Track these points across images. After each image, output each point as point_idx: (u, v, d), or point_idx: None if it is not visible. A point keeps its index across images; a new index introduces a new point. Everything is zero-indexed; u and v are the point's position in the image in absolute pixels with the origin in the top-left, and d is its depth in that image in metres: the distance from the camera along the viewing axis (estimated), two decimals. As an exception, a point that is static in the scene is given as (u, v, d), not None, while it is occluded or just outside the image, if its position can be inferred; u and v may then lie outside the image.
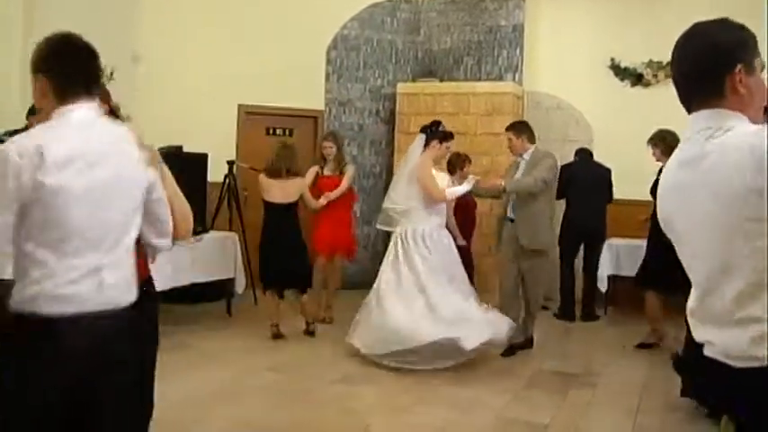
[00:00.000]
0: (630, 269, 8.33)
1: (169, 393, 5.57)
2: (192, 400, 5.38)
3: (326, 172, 8.13)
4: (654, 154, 7.01)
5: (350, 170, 8.15)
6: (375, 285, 6.75)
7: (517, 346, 6.90)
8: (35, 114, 7.26)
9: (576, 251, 8.77)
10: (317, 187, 7.96)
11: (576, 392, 5.97)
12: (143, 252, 2.81)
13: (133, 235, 2.61)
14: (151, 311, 3.41)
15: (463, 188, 6.85)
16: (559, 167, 7.35)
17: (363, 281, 9.96)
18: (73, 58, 2.64)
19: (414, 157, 6.84)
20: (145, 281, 3.07)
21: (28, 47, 7.86)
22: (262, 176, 7.39)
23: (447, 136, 6.84)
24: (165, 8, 9.21)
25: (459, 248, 7.11)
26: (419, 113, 10.00)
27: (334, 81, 10.32)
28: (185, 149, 8.82)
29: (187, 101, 9.17)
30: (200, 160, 8.86)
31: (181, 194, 2.83)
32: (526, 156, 6.94)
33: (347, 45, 10.37)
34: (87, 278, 2.42)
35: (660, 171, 7.21)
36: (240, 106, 9.73)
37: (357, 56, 10.44)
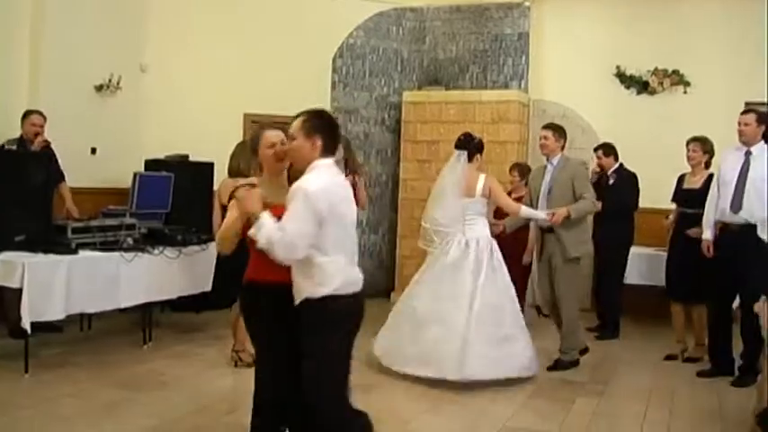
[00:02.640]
0: (636, 278, 8.34)
1: (175, 401, 5.60)
2: (199, 408, 5.38)
3: None
4: (692, 158, 7.07)
5: (359, 180, 8.22)
6: (413, 299, 6.66)
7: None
8: (26, 117, 7.27)
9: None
10: None
11: (582, 401, 5.95)
12: None
13: None
14: None
15: (540, 215, 6.66)
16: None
17: (369, 289, 9.97)
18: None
19: (458, 172, 6.63)
20: None
21: (36, 58, 7.95)
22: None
23: (483, 145, 6.82)
24: (172, 19, 9.23)
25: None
26: (425, 122, 10.02)
27: (340, 89, 10.33)
28: (192, 158, 8.87)
29: (194, 110, 9.18)
30: (206, 169, 8.87)
31: None
32: (554, 161, 6.79)
33: (353, 54, 10.39)
34: None
35: (683, 177, 7.28)
36: (246, 115, 9.73)
37: (363, 64, 10.46)
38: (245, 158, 7.32)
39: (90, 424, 4.95)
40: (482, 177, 6.56)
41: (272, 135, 3.93)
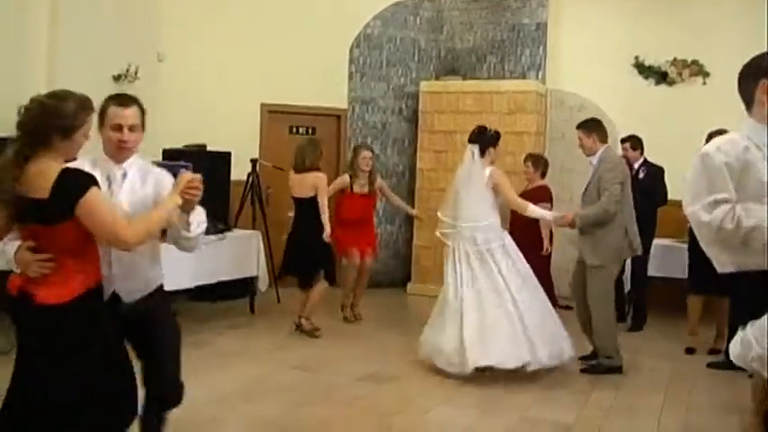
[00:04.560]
0: (654, 270, 8.28)
1: (191, 391, 5.61)
2: (215, 398, 5.40)
3: (356, 188, 8.05)
4: None
5: (382, 183, 8.39)
6: (450, 297, 6.49)
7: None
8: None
9: None
10: (348, 203, 8.03)
11: (599, 393, 5.94)
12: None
13: None
14: None
15: (547, 214, 6.66)
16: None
17: (385, 280, 10.01)
18: None
19: (476, 168, 6.54)
20: None
21: (54, 48, 7.97)
22: (291, 171, 7.47)
23: (498, 138, 6.67)
24: (188, 9, 9.24)
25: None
26: (442, 112, 9.99)
27: (357, 80, 10.32)
28: (209, 148, 8.89)
29: (211, 100, 9.20)
30: (223, 158, 8.89)
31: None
32: (595, 159, 6.51)
33: (370, 44, 10.38)
34: None
35: None
36: (263, 105, 9.75)
37: (380, 54, 10.44)
38: (313, 155, 7.40)
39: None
40: (488, 171, 6.51)
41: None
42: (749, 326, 2.83)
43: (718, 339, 7.11)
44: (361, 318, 8.14)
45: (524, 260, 6.50)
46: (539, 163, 8.49)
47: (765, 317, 2.73)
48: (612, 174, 6.35)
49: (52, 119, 3.09)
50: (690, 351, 7.25)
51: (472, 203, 6.50)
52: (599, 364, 6.48)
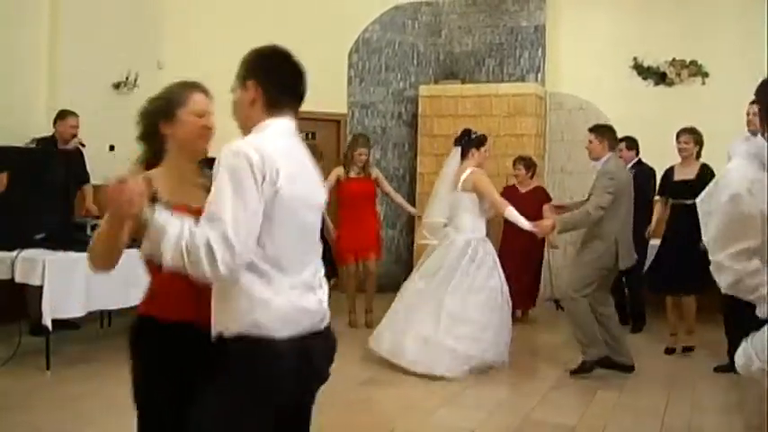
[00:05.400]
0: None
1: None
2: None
3: (352, 174, 8.12)
4: (685, 149, 6.98)
5: (378, 173, 8.37)
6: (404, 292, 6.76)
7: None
8: (63, 119, 7.40)
9: None
10: (344, 189, 7.99)
11: (602, 394, 5.93)
12: None
13: None
14: None
15: (525, 224, 6.44)
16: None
17: (388, 284, 9.98)
18: (291, 73, 2.70)
19: (450, 170, 6.78)
20: None
21: (54, 56, 7.99)
22: None
23: (482, 141, 6.77)
24: (188, 15, 9.25)
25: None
26: (441, 116, 10.00)
27: (356, 84, 10.34)
28: (209, 154, 8.88)
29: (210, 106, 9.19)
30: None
31: None
32: (599, 165, 6.48)
33: (369, 48, 10.39)
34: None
35: (671, 170, 7.20)
36: (263, 111, 9.75)
37: (379, 59, 10.45)
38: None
39: (111, 421, 4.96)
40: (467, 172, 6.57)
41: (202, 100, 2.88)
42: (750, 337, 2.81)
43: (690, 336, 7.20)
44: (372, 325, 7.92)
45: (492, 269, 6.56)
46: (530, 165, 8.56)
47: (765, 328, 2.73)
48: (606, 183, 6.28)
49: None
50: (669, 351, 7.28)
51: (443, 201, 6.72)
52: (584, 363, 6.40)
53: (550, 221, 6.49)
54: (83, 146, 7.47)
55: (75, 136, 7.40)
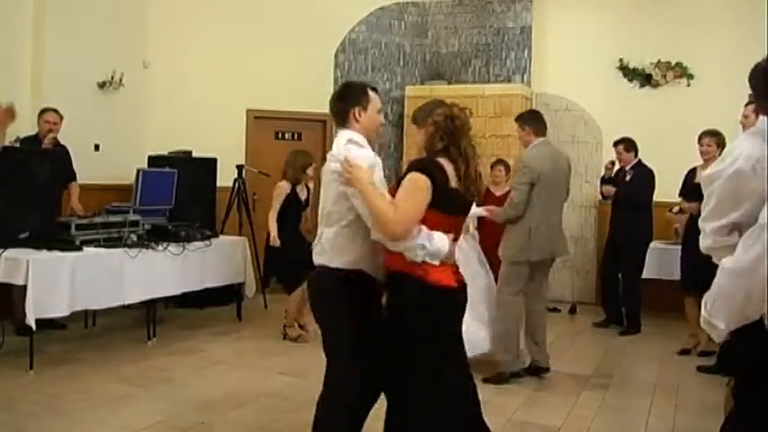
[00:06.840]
0: (648, 272, 8.27)
1: (179, 397, 5.60)
2: (202, 405, 5.38)
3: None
4: (708, 152, 6.95)
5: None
6: None
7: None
8: (41, 115, 7.36)
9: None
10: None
11: (588, 394, 5.95)
12: None
13: None
14: None
15: (479, 211, 6.20)
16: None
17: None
18: None
19: None
20: None
21: (39, 55, 7.95)
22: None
23: None
24: (173, 15, 9.24)
25: None
26: (428, 116, 9.97)
27: (342, 85, 10.31)
28: (194, 154, 8.87)
29: (196, 106, 9.19)
30: (209, 165, 8.89)
31: None
32: (525, 152, 6.30)
33: (355, 49, 10.38)
34: None
35: (693, 172, 7.19)
36: (249, 111, 9.74)
37: (365, 59, 10.44)
38: (293, 169, 7.43)
39: (94, 420, 4.95)
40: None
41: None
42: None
43: (711, 341, 7.12)
44: None
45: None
46: (509, 167, 8.57)
47: (715, 280, 2.82)
48: (519, 176, 6.13)
49: None
50: (684, 352, 7.26)
51: None
52: (501, 373, 6.16)
53: (495, 209, 6.27)
54: (57, 145, 7.32)
55: (51, 131, 7.28)
